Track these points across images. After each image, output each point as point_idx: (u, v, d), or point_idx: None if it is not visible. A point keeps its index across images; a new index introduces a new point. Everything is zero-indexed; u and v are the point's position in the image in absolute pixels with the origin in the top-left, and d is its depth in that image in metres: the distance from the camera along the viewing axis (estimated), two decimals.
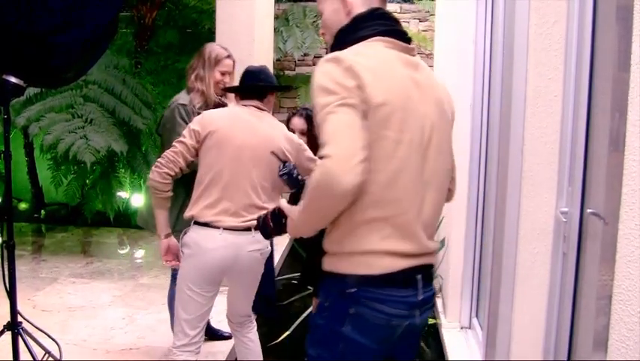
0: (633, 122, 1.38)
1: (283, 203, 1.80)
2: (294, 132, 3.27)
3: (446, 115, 1.77)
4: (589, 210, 2.08)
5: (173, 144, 2.72)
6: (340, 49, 1.69)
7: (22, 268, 4.97)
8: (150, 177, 2.69)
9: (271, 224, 1.84)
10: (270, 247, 2.86)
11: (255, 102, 2.84)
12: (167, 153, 2.69)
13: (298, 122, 3.39)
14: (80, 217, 6.38)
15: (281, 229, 1.82)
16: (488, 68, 3.63)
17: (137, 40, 6.36)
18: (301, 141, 2.88)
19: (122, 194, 6.13)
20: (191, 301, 2.70)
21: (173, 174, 2.68)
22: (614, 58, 1.93)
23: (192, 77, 3.32)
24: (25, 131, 5.78)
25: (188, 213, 2.72)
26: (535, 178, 2.31)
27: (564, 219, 2.22)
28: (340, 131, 1.52)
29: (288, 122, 3.37)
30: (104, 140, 5.15)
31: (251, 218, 2.65)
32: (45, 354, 3.07)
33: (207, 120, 2.74)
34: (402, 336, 1.71)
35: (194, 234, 2.69)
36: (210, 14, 6.04)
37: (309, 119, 3.31)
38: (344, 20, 1.77)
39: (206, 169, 2.70)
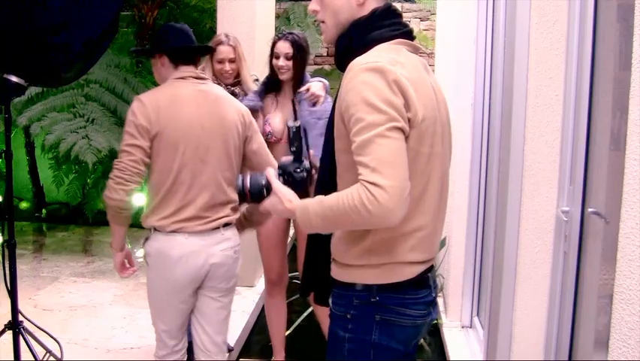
0: (634, 121, 1.38)
1: (281, 186, 1.68)
2: (278, 57, 3.17)
3: (449, 117, 1.76)
4: (590, 210, 2.08)
5: (126, 149, 2.36)
6: (352, 48, 1.63)
7: (23, 267, 4.98)
8: (115, 198, 2.33)
9: (249, 194, 1.73)
10: (239, 244, 2.62)
11: (191, 69, 2.51)
12: (127, 163, 2.34)
13: (284, 46, 3.17)
14: (81, 216, 6.38)
15: (259, 201, 1.72)
16: (489, 67, 3.63)
17: (138, 39, 6.36)
18: (248, 112, 2.63)
19: None
20: (167, 312, 2.51)
21: (139, 187, 2.38)
22: (615, 57, 1.93)
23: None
24: (26, 130, 5.78)
25: (146, 223, 2.46)
26: (536, 177, 2.31)
27: (565, 219, 2.22)
28: (393, 160, 1.45)
29: (273, 47, 3.21)
30: (105, 139, 5.15)
31: (217, 217, 2.46)
32: (46, 353, 3.07)
33: (153, 113, 2.36)
34: (422, 333, 1.77)
35: (156, 243, 2.44)
36: (211, 13, 6.04)
37: (296, 43, 3.17)
38: (355, 10, 1.66)
39: (161, 175, 2.40)
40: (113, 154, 5.43)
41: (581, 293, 2.17)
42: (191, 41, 2.55)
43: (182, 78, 2.48)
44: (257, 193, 1.73)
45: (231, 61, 3.26)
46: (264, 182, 1.72)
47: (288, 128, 1.75)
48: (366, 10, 1.66)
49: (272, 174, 1.71)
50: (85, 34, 2.78)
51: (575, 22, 2.18)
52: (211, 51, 2.99)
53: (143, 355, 3.57)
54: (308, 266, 1.86)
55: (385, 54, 1.57)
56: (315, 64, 7.45)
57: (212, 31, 5.15)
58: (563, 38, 2.23)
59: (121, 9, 4.38)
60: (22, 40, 2.68)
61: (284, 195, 1.66)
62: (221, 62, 3.24)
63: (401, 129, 1.49)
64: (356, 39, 1.65)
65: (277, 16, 6.13)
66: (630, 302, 1.36)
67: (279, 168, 1.74)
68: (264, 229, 3.31)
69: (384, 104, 1.48)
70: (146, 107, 2.37)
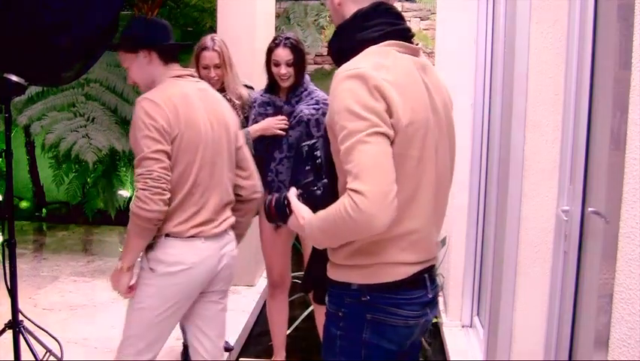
0: (634, 120, 1.38)
1: (298, 204, 1.72)
2: (278, 65, 3.10)
3: (451, 117, 1.75)
4: (590, 209, 2.08)
5: (154, 156, 2.17)
6: (344, 50, 1.63)
7: (23, 266, 4.98)
8: (155, 209, 2.16)
9: (274, 213, 1.79)
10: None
11: (180, 67, 2.40)
12: (160, 172, 2.17)
13: (283, 53, 3.09)
14: (81, 216, 6.39)
15: (285, 220, 1.77)
16: (489, 66, 3.63)
17: None
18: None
19: (123, 192, 6.13)
20: (162, 324, 2.36)
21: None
22: (615, 56, 1.93)
23: None
24: (26, 130, 5.79)
25: (160, 230, 2.29)
26: (536, 177, 2.31)
27: (565, 218, 2.22)
28: (374, 165, 1.45)
29: (269, 54, 3.13)
30: (105, 138, 5.16)
31: (225, 218, 2.43)
32: (46, 353, 3.07)
33: (171, 115, 2.23)
34: (417, 333, 1.76)
35: (173, 250, 2.31)
36: (212, 13, 6.04)
37: (295, 49, 3.11)
38: (339, 14, 1.69)
39: (180, 179, 2.27)
40: (113, 153, 5.44)
41: (581, 293, 2.17)
42: (170, 39, 2.41)
43: (179, 77, 2.38)
44: (281, 212, 1.77)
45: (217, 66, 3.16)
46: (285, 202, 1.76)
47: (301, 147, 1.79)
48: (348, 13, 1.67)
49: (292, 192, 1.75)
50: (85, 33, 2.78)
51: (575, 22, 2.18)
52: (188, 47, 2.92)
53: None
54: (310, 265, 1.88)
55: (372, 58, 1.58)
56: (315, 63, 7.45)
57: (213, 30, 5.14)
58: (563, 37, 2.23)
59: (121, 8, 4.38)
60: (23, 40, 2.68)
61: (299, 212, 1.70)
62: (206, 67, 3.15)
63: (384, 134, 1.49)
64: (344, 42, 1.67)
65: (277, 16, 6.12)
66: (630, 302, 1.36)
67: (299, 187, 1.78)
68: (266, 230, 3.29)
69: (365, 110, 1.48)
70: (163, 108, 2.22)
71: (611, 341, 1.44)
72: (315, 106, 3.18)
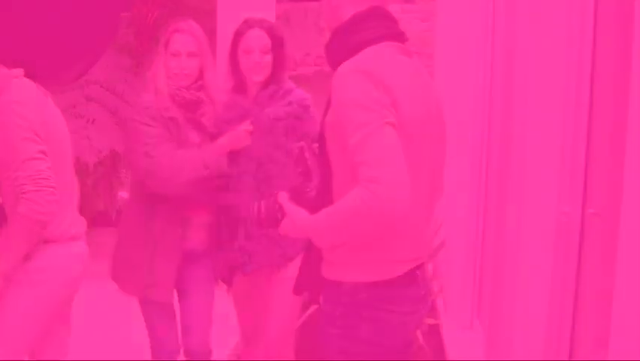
0: (634, 120, 1.38)
1: (293, 207, 1.70)
2: (250, 51, 2.41)
3: (442, 119, 1.77)
4: (590, 210, 2.08)
5: (37, 156, 2.00)
6: (342, 52, 1.64)
7: None
8: (48, 211, 2.00)
9: (265, 219, 1.75)
10: None
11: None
12: (47, 171, 2.00)
13: (258, 36, 2.41)
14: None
15: (276, 225, 1.73)
16: (489, 67, 3.63)
17: (139, 39, 6.37)
18: None
19: (124, 194, 6.13)
20: (38, 332, 2.27)
21: None
22: (615, 57, 1.93)
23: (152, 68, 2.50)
24: None
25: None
26: (536, 177, 2.31)
27: (565, 219, 2.22)
28: (387, 154, 1.46)
29: (237, 41, 2.45)
30: (106, 140, 5.18)
31: (79, 217, 2.37)
32: None
33: (40, 118, 2.07)
34: (411, 329, 1.78)
35: (52, 255, 2.16)
36: (211, 14, 6.06)
37: (273, 33, 2.45)
38: (334, 14, 1.70)
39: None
40: (113, 155, 5.46)
41: (581, 293, 2.17)
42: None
43: (16, 77, 2.13)
44: (272, 218, 1.74)
45: (191, 55, 2.42)
46: (277, 206, 1.73)
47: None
48: (345, 15, 1.68)
49: (284, 197, 1.72)
50: (85, 34, 2.79)
51: (575, 20, 2.19)
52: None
53: (143, 355, 3.57)
54: (303, 265, 1.88)
55: (371, 57, 1.59)
56: (314, 65, 7.45)
57: (213, 32, 5.15)
58: (563, 38, 2.23)
59: (122, 10, 4.38)
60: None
61: (296, 216, 1.68)
62: (176, 54, 2.40)
63: (393, 125, 1.50)
64: (341, 44, 1.67)
65: (277, 17, 6.14)
66: (630, 302, 1.36)
67: (291, 190, 1.76)
68: (238, 281, 2.66)
69: (373, 103, 1.49)
70: (32, 109, 2.05)
71: (611, 341, 1.44)
72: (286, 108, 2.46)
